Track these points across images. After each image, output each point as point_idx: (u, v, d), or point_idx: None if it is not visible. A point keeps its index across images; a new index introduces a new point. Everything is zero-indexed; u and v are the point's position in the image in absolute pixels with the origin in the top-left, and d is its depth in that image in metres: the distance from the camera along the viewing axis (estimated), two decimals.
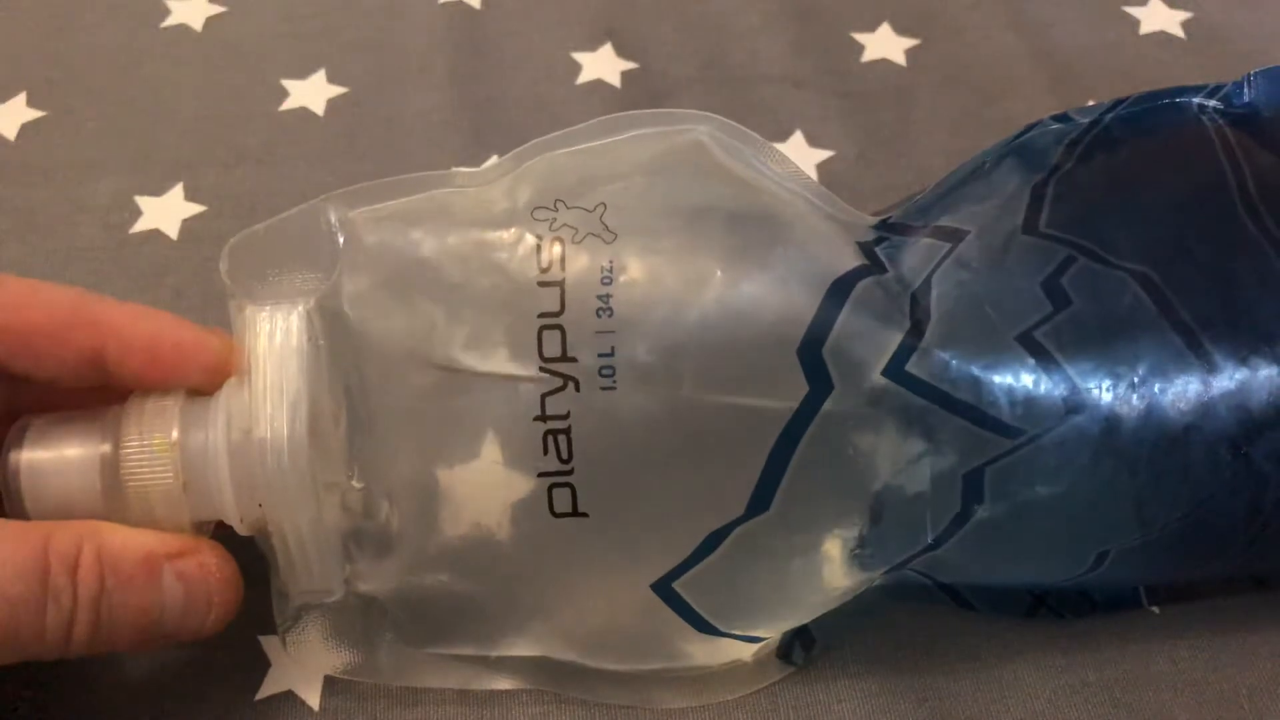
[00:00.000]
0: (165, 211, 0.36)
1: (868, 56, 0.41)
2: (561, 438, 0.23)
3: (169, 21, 0.41)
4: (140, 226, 0.35)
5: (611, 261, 0.23)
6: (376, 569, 0.25)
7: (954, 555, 0.25)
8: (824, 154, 0.38)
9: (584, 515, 0.23)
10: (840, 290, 0.24)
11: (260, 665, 0.27)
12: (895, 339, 0.24)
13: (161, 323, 0.25)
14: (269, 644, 0.27)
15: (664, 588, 0.24)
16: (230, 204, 0.36)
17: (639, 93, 0.40)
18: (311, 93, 0.39)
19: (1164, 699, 0.27)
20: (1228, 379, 0.23)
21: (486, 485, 0.24)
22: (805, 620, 0.26)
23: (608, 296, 0.23)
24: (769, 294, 0.24)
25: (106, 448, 0.23)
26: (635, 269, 0.23)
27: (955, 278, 0.25)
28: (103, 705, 0.27)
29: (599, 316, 0.23)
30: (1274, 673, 0.27)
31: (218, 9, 0.42)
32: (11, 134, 0.38)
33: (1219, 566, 0.27)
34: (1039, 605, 0.27)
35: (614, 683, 0.26)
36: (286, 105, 0.39)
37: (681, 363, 0.23)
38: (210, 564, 0.24)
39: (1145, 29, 0.42)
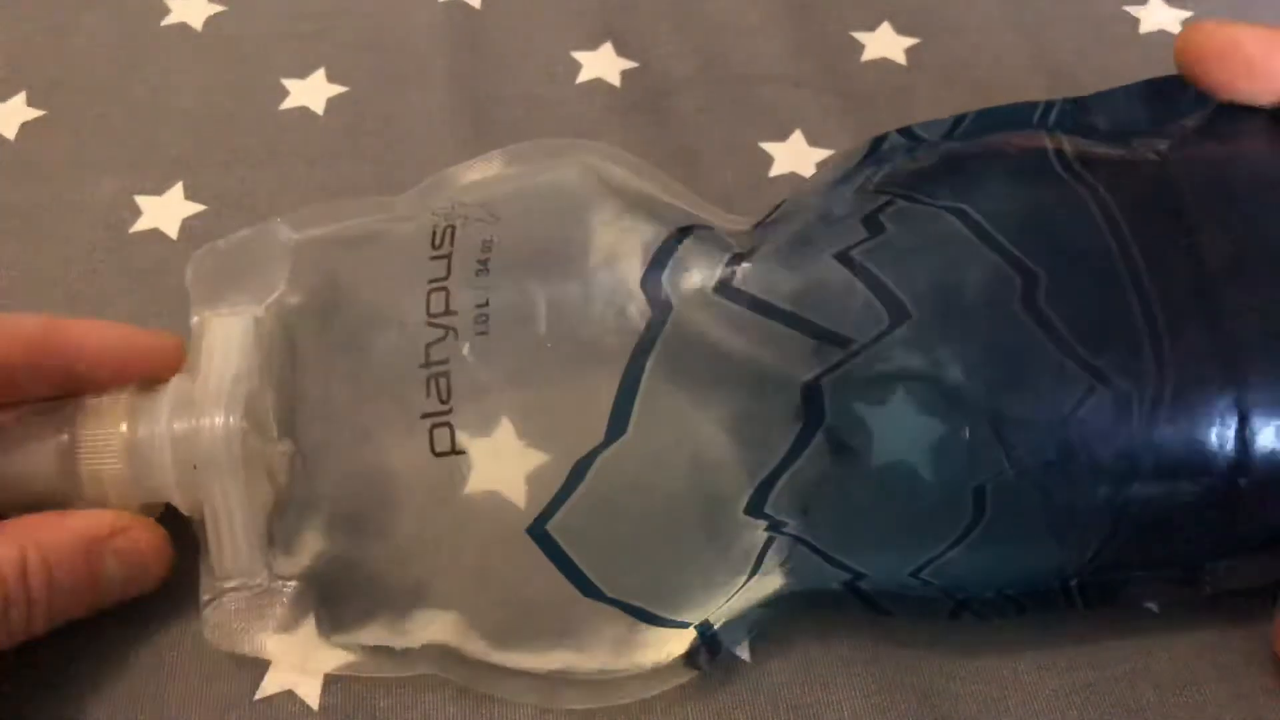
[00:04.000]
0: (165, 211, 0.36)
1: (868, 56, 0.41)
2: (442, 380, 0.25)
3: (169, 20, 0.41)
4: (140, 226, 0.35)
5: (493, 235, 0.27)
6: (296, 542, 0.26)
7: (824, 506, 0.25)
8: (823, 153, 0.38)
9: (461, 453, 0.25)
10: (682, 232, 0.27)
11: (260, 665, 0.27)
12: (725, 259, 0.26)
13: (120, 333, 0.28)
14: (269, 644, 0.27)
15: (539, 531, 0.25)
16: (230, 203, 0.36)
17: (639, 92, 0.40)
18: (311, 92, 0.39)
19: (1164, 699, 0.27)
20: None
21: (383, 434, 0.26)
22: (700, 598, 0.26)
23: (486, 260, 0.26)
24: (622, 239, 0.26)
25: (64, 437, 0.26)
26: (511, 238, 0.27)
27: (785, 227, 0.27)
28: (102, 705, 0.27)
29: (477, 275, 0.26)
30: (1274, 673, 0.28)
31: (218, 8, 0.42)
32: (11, 133, 0.38)
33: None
34: (961, 609, 0.27)
35: (520, 681, 0.27)
36: (286, 104, 0.39)
37: (540, 302, 0.26)
38: (140, 538, 0.27)
39: (1145, 28, 0.42)
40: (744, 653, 0.28)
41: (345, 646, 0.27)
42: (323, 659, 0.27)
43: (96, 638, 0.27)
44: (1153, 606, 0.29)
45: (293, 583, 0.27)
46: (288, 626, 0.27)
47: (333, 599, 0.27)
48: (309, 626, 0.27)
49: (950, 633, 0.28)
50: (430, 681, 0.27)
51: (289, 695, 0.27)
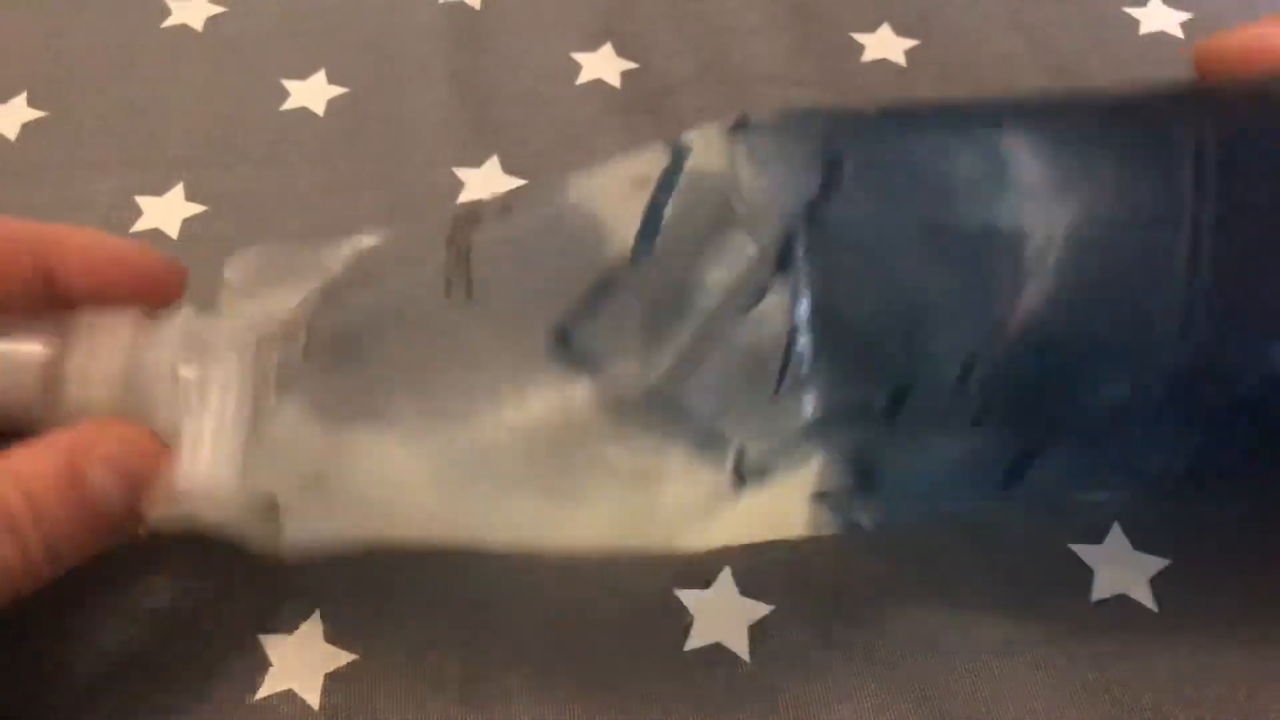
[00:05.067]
0: (166, 211, 0.36)
1: (868, 57, 0.41)
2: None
3: (169, 22, 0.41)
4: (141, 226, 0.35)
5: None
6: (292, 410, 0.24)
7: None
8: None
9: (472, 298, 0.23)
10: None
11: (260, 665, 0.27)
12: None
13: (116, 245, 0.25)
14: (269, 644, 0.27)
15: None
16: (231, 204, 0.36)
17: (639, 92, 0.40)
18: (311, 93, 0.39)
19: (1163, 698, 0.27)
20: None
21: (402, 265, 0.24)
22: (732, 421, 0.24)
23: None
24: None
25: (51, 357, 0.23)
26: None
27: None
28: (100, 706, 0.27)
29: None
30: (1274, 672, 0.28)
31: (218, 9, 0.42)
32: (12, 134, 0.38)
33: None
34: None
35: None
36: (287, 105, 0.39)
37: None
38: (126, 435, 0.23)
39: (1145, 29, 0.42)
40: (744, 652, 0.28)
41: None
42: (323, 659, 0.27)
43: (94, 637, 0.27)
44: (1154, 608, 0.29)
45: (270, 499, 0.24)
46: (289, 627, 0.27)
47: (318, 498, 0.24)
48: (310, 626, 0.27)
49: (951, 631, 0.28)
50: (432, 682, 0.27)
51: (289, 695, 0.27)
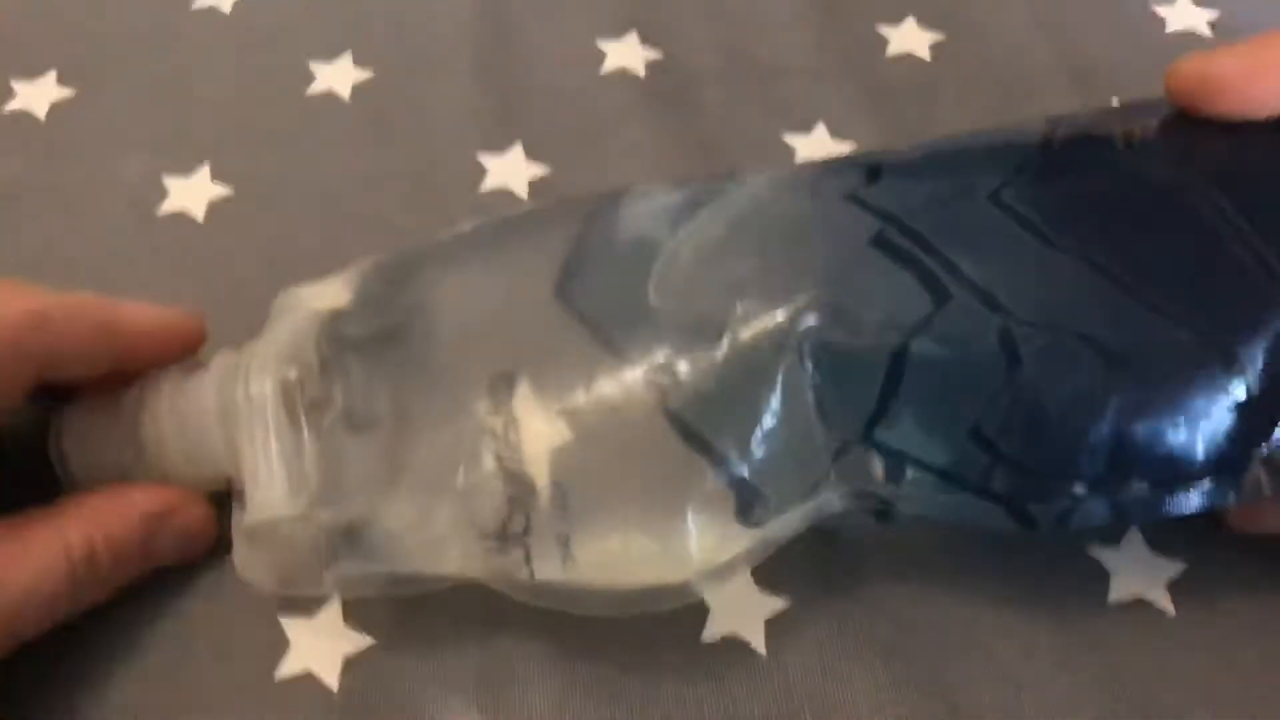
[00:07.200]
0: (192, 192, 0.36)
1: (892, 51, 0.41)
2: None
3: (199, 4, 0.41)
4: (167, 208, 0.36)
5: None
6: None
7: None
8: (846, 145, 0.38)
9: None
10: None
11: (280, 646, 0.28)
12: None
13: (158, 314, 0.29)
14: (289, 625, 0.28)
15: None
16: (256, 186, 0.36)
17: (663, 82, 0.40)
18: (338, 77, 0.39)
19: (1180, 699, 0.27)
20: None
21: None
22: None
23: None
24: None
25: (128, 419, 0.27)
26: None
27: None
28: (118, 687, 0.27)
29: None
30: None
31: None
32: (41, 111, 0.38)
33: None
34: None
35: (541, 593, 0.26)
36: (313, 89, 0.39)
37: None
38: (193, 514, 0.28)
39: (1171, 28, 0.42)
40: (759, 645, 0.28)
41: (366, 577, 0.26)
42: (342, 642, 0.27)
43: (112, 621, 0.28)
44: (1171, 611, 0.29)
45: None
46: (309, 609, 0.27)
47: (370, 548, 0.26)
48: (330, 609, 0.27)
49: (965, 628, 0.28)
50: (450, 666, 0.27)
51: (308, 677, 0.27)
